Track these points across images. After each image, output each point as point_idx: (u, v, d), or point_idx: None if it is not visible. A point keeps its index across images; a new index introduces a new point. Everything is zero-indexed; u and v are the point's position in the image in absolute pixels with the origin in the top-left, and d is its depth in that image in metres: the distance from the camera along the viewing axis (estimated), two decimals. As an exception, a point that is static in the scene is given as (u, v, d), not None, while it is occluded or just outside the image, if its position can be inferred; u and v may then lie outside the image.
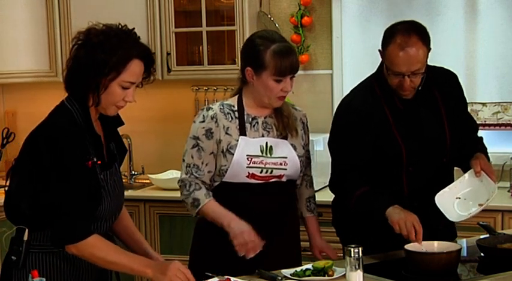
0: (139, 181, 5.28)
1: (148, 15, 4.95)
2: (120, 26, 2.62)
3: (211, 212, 3.08)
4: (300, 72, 4.99)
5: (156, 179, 5.01)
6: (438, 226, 3.22)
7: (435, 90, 3.22)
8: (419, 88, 3.15)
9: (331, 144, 3.29)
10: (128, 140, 5.29)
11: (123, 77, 2.57)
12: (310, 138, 3.35)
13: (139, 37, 2.64)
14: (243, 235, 2.96)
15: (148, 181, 5.13)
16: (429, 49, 3.10)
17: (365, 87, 3.26)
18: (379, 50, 3.14)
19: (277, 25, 4.93)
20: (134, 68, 2.58)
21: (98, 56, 2.54)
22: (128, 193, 4.97)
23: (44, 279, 2.41)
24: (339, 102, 3.35)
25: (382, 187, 3.16)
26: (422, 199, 3.18)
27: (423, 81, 3.12)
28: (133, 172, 5.32)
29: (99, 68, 2.54)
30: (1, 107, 5.65)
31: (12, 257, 2.64)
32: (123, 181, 5.37)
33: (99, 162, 2.61)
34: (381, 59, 3.17)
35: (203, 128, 3.13)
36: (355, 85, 3.33)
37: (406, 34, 3.03)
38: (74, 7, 5.07)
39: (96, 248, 2.55)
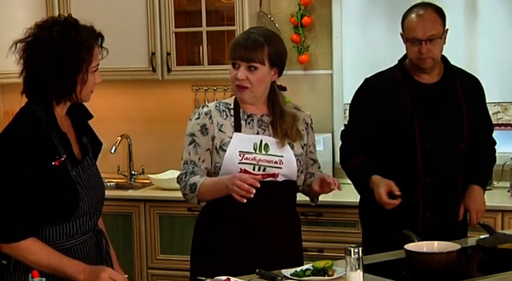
0: (139, 181, 5.28)
1: (148, 15, 4.95)
2: (58, 19, 2.64)
3: (207, 187, 3.06)
4: (300, 72, 5.05)
5: (156, 179, 5.01)
6: (449, 205, 3.39)
7: (457, 82, 3.41)
8: (441, 66, 3.39)
9: (346, 124, 3.56)
10: (128, 140, 5.29)
11: (93, 64, 2.63)
12: (311, 138, 3.35)
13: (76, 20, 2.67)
14: (236, 181, 2.91)
15: (148, 181, 5.13)
16: (445, 27, 3.35)
17: (386, 71, 3.47)
18: (400, 34, 3.35)
19: (277, 25, 4.93)
20: (97, 52, 2.65)
21: (69, 57, 2.56)
22: (127, 193, 5.00)
23: (44, 279, 2.39)
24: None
25: (398, 164, 3.35)
26: (437, 178, 3.34)
27: (441, 52, 3.35)
28: (133, 172, 5.32)
29: (74, 67, 2.57)
30: (1, 107, 5.64)
31: (3, 261, 2.61)
32: (123, 180, 5.43)
33: (62, 159, 2.59)
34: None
35: (198, 124, 3.14)
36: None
37: (422, 6, 3.36)
38: (74, 7, 5.07)
39: (29, 252, 2.52)
